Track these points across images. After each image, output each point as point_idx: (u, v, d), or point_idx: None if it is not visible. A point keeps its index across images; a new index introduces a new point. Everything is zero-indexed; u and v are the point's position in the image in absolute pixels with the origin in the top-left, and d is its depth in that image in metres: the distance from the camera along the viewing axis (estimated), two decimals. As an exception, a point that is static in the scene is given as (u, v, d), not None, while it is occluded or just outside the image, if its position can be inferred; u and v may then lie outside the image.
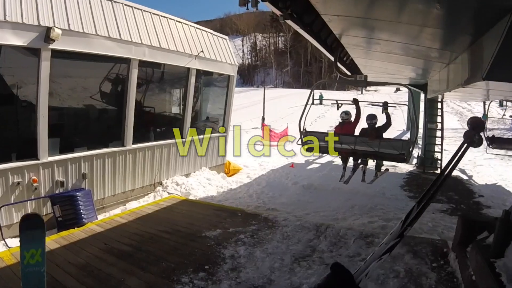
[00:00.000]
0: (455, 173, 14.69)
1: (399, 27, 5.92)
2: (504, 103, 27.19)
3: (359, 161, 9.15)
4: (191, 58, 9.27)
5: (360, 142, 8.16)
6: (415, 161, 15.96)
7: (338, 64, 9.77)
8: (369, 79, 9.74)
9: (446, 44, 6.39)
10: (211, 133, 11.00)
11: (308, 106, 8.16)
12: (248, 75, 78.90)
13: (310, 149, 8.58)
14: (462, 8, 4.13)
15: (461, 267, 4.57)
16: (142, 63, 7.89)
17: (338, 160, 15.60)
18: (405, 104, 17.07)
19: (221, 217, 6.77)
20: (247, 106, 34.40)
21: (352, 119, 8.79)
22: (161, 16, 8.60)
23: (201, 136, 10.33)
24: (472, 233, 4.81)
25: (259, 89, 52.64)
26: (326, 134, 8.37)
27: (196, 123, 10.50)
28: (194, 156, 10.14)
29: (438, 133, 15.08)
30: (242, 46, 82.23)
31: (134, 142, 7.93)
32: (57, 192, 6.55)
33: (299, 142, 8.42)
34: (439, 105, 15.12)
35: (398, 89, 43.39)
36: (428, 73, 11.24)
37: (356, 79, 8.90)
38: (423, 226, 7.22)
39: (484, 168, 16.63)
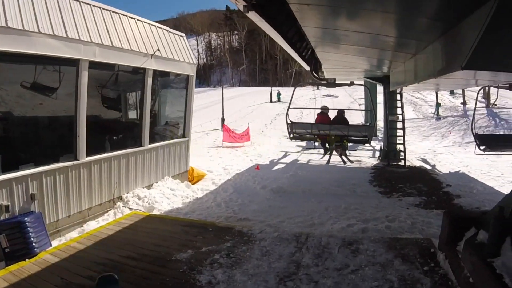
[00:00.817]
0: (418, 163, 14.85)
1: (370, 17, 5.66)
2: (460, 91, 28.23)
3: (334, 146, 13.01)
4: (147, 58, 8.46)
5: (334, 128, 11.99)
6: (377, 154, 16.20)
7: (300, 60, 10.39)
8: (326, 73, 14.35)
9: (415, 33, 6.10)
10: (172, 138, 10.28)
11: (291, 105, 11.86)
12: (205, 75, 78.16)
13: (296, 137, 12.39)
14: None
15: (454, 268, 4.43)
16: (93, 64, 6.97)
17: (302, 159, 15.37)
18: (359, 110, 17.55)
19: (191, 234, 6.10)
20: (206, 107, 33.81)
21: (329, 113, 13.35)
22: (113, 12, 7.73)
23: (161, 143, 9.59)
24: (460, 230, 4.68)
25: (216, 89, 52.24)
26: (312, 123, 12.41)
27: (155, 129, 9.74)
28: (156, 165, 9.34)
29: (399, 125, 15.08)
30: (197, 45, 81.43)
31: (88, 154, 7.00)
32: (1, 219, 5.57)
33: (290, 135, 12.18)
34: (398, 97, 15.20)
35: (352, 83, 44.58)
36: (390, 65, 11.11)
37: (328, 82, 12.51)
38: (403, 225, 7.01)
39: (445, 156, 17.06)
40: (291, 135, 12.37)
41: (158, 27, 9.38)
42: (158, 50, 8.77)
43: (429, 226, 6.94)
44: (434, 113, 29.63)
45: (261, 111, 31.95)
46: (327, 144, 13.51)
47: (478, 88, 13.11)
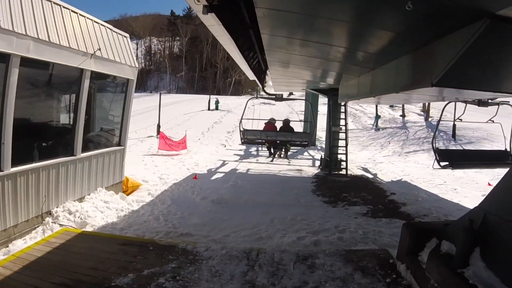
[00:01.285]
0: (359, 172, 15.24)
1: (334, 30, 5.68)
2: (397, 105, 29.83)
3: (277, 147, 16.73)
4: (86, 57, 7.66)
5: (280, 135, 15.13)
6: (317, 163, 16.71)
7: (248, 70, 12.04)
8: (273, 83, 16.21)
9: (380, 49, 6.12)
10: (107, 146, 9.56)
11: (244, 112, 14.16)
12: (141, 80, 75.78)
13: (247, 142, 14.82)
14: (432, 10, 3.71)
15: (418, 279, 4.46)
16: (25, 61, 6.07)
17: (241, 168, 15.17)
18: (299, 121, 21.22)
19: (130, 254, 5.50)
20: (142, 113, 32.63)
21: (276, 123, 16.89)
22: (54, 2, 6.85)
23: (95, 151, 8.85)
24: (421, 241, 4.74)
25: (153, 94, 51.03)
26: (261, 130, 15.34)
27: (89, 136, 8.94)
28: (89, 176, 8.55)
29: (341, 136, 15.62)
30: (136, 49, 79.01)
31: (14, 164, 6.10)
32: None
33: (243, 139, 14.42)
34: (343, 109, 15.81)
35: (291, 93, 45.85)
36: (340, 78, 11.24)
37: (276, 97, 14.56)
38: (355, 235, 7.02)
39: (385, 165, 17.74)
40: (243, 140, 14.42)
41: (101, 24, 8.63)
42: (99, 49, 8.03)
43: (381, 236, 7.00)
44: (373, 125, 30.92)
45: (199, 119, 31.52)
46: (271, 148, 17.17)
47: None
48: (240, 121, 14.16)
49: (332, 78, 11.77)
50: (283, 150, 17.76)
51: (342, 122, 15.77)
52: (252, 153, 20.89)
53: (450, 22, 3.96)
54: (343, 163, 15.04)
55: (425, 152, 22.03)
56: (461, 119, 10.32)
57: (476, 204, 4.16)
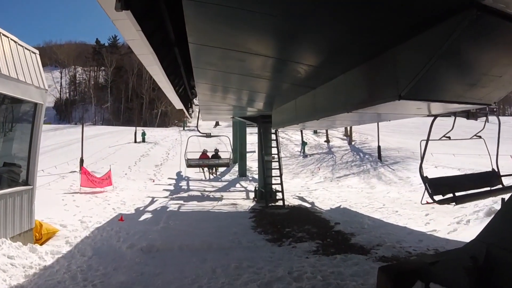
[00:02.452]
0: (296, 201, 14.97)
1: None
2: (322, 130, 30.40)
3: (209, 169, 21.47)
4: None
5: (211, 160, 20.01)
6: (251, 195, 16.39)
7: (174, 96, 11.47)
8: (200, 110, 15.48)
9: (324, 63, 5.40)
10: (11, 186, 8.02)
11: (187, 146, 18.82)
12: (66, 111, 71.67)
13: (190, 166, 18.85)
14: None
15: None
16: None
17: (172, 206, 14.19)
18: (226, 151, 21.73)
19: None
20: (64, 146, 30.37)
21: (208, 153, 21.77)
22: None
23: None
24: (403, 286, 4.00)
25: (77, 126, 48.17)
26: (199, 159, 19.78)
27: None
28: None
29: (274, 165, 15.31)
30: (61, 78, 74.94)
31: None
32: None
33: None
34: (273, 137, 15.49)
35: (217, 123, 46.12)
36: (273, 102, 10.63)
37: (210, 135, 18.57)
38: (315, 283, 6.20)
39: (321, 192, 17.76)
40: (187, 164, 18.39)
41: (3, 35, 7.31)
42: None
43: (344, 279, 6.31)
44: (300, 151, 30.86)
45: (125, 152, 29.58)
46: (205, 169, 21.37)
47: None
48: (185, 153, 18.23)
49: (261, 102, 11.10)
50: (214, 169, 22.89)
51: (274, 150, 15.46)
52: (183, 187, 19.78)
53: (420, 16, 3.28)
54: (279, 194, 14.51)
55: (355, 175, 22.57)
56: (449, 137, 7.69)
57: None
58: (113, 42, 79.08)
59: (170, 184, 20.69)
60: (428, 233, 9.46)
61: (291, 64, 5.81)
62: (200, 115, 16.44)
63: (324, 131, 33.75)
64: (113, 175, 18.88)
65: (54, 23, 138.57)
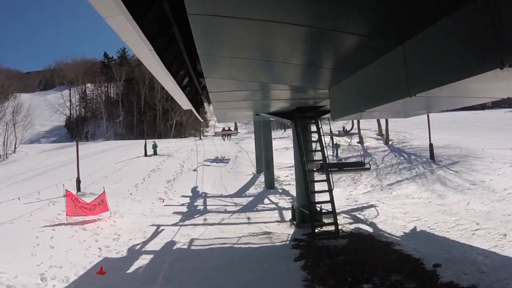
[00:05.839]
0: (349, 223, 11.28)
1: None
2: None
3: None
4: None
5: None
6: (287, 216, 12.79)
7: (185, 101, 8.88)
8: (214, 111, 11.54)
9: None
10: None
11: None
12: (77, 129, 69.24)
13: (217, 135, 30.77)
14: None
15: None
16: None
17: (181, 239, 10.40)
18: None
19: None
20: (66, 164, 27.27)
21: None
22: None
23: None
24: None
25: (87, 143, 45.52)
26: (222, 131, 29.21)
27: None
28: None
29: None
30: (69, 96, 72.86)
31: None
32: None
33: None
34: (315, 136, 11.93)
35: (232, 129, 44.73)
36: (329, 82, 6.83)
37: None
38: None
39: (379, 208, 13.20)
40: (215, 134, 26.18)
41: None
42: None
43: None
44: (333, 155, 26.22)
45: (133, 167, 25.66)
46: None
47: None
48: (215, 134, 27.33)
49: (317, 79, 7.11)
50: (229, 137, 30.94)
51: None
52: (198, 207, 15.95)
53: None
54: (329, 215, 10.87)
55: (410, 181, 17.84)
56: None
57: None
58: (122, 54, 76.73)
59: (183, 204, 16.69)
60: None
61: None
62: (215, 117, 14.37)
63: (355, 130, 29.48)
64: (116, 196, 15.87)
65: (64, 42, 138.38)
